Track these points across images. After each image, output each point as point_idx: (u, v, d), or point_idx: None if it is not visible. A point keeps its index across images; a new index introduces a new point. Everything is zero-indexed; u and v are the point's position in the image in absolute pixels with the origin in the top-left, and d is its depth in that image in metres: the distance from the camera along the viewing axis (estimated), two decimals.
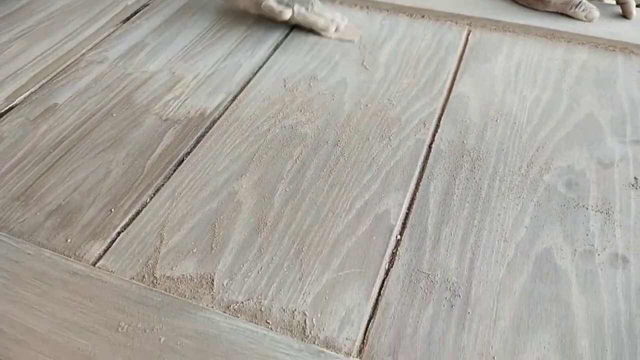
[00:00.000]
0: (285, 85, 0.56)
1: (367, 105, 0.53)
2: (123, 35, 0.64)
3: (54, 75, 0.57)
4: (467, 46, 0.62)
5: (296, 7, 0.63)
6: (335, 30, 0.64)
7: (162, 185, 0.45)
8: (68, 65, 0.59)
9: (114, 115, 0.52)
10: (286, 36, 0.64)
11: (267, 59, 0.60)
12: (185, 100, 0.54)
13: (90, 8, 0.69)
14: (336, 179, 0.45)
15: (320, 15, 0.64)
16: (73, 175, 0.46)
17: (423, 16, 0.67)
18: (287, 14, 0.62)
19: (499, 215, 0.42)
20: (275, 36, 0.64)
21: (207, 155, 0.48)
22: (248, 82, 0.56)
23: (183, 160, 0.47)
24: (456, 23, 0.65)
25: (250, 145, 0.49)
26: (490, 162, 0.47)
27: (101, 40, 0.63)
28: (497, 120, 0.51)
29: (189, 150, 0.48)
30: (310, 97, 0.54)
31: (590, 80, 0.56)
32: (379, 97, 0.54)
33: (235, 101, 0.54)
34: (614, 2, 0.68)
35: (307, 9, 0.63)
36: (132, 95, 0.55)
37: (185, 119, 0.52)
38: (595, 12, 0.65)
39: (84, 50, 0.61)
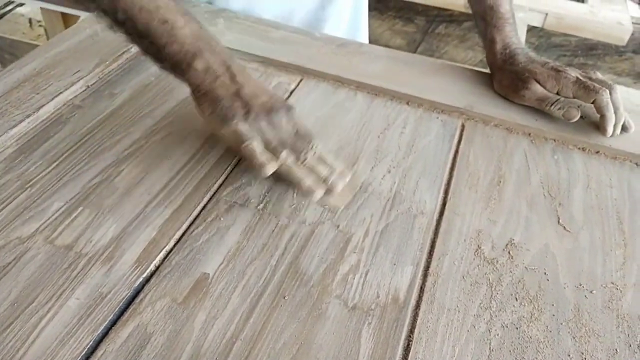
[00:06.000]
0: (480, 254, 0.46)
1: (592, 292, 0.43)
2: None
3: (190, 225, 0.46)
4: None
5: (284, 153, 0.47)
6: (326, 193, 0.47)
7: None
8: (204, 209, 0.48)
9: (286, 297, 0.41)
10: (450, 173, 0.54)
11: (442, 211, 0.50)
12: (367, 274, 0.43)
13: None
14: None
15: (313, 168, 0.48)
16: None
17: (597, 152, 0.58)
18: (269, 170, 0.46)
19: None
20: (439, 174, 0.53)
21: None
22: (433, 247, 0.46)
23: None
24: (637, 164, 0.57)
25: (476, 357, 0.38)
26: None
27: (234, 169, 0.52)
28: None
29: None
30: (518, 274, 0.44)
31: None
32: (600, 278, 0.45)
33: (429, 278, 0.43)
34: None
35: (299, 157, 0.48)
36: (298, 261, 0.44)
37: (378, 308, 0.41)
38: (574, 112, 0.57)
39: (217, 185, 0.50)
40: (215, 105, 0.48)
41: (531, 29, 1.31)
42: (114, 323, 0.38)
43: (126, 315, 0.39)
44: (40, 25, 1.94)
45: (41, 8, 1.66)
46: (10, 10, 2.23)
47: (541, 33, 1.32)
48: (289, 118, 0.50)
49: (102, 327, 0.38)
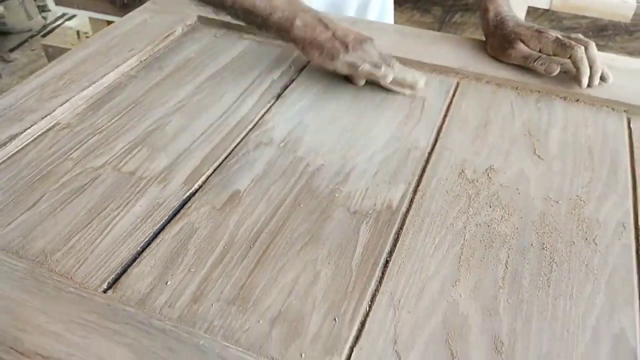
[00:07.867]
0: (463, 176, 0.55)
1: (557, 202, 0.52)
2: (280, 113, 0.63)
3: (225, 158, 0.57)
4: (633, 136, 0.61)
5: (384, 67, 0.64)
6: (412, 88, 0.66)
7: (377, 290, 0.43)
8: (236, 147, 0.59)
9: (301, 206, 0.51)
10: (443, 119, 0.63)
11: (434, 146, 0.59)
12: (367, 190, 0.53)
13: (238, 82, 0.69)
14: (557, 290, 0.43)
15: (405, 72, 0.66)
16: (282, 276, 0.44)
17: (577, 100, 0.66)
18: (390, 76, 0.64)
19: None
20: (433, 120, 0.63)
21: (411, 256, 0.46)
22: (423, 172, 0.55)
23: (388, 261, 0.46)
24: (613, 109, 0.64)
25: (452, 245, 0.47)
26: None
27: (260, 119, 0.63)
28: None
29: (389, 249, 0.47)
30: (494, 190, 0.53)
31: None
32: (566, 193, 0.53)
33: (419, 193, 0.53)
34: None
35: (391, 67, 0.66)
36: (312, 182, 0.54)
37: (374, 213, 0.50)
38: (554, 66, 0.65)
39: (246, 130, 0.61)
40: (321, 49, 0.65)
41: (543, 13, 1.37)
42: (168, 221, 0.49)
43: (177, 216, 0.50)
44: (87, 37, 2.13)
45: (89, 18, 1.84)
46: (59, 25, 2.46)
47: (552, 17, 1.39)
48: (373, 45, 0.67)
49: (159, 224, 0.49)
